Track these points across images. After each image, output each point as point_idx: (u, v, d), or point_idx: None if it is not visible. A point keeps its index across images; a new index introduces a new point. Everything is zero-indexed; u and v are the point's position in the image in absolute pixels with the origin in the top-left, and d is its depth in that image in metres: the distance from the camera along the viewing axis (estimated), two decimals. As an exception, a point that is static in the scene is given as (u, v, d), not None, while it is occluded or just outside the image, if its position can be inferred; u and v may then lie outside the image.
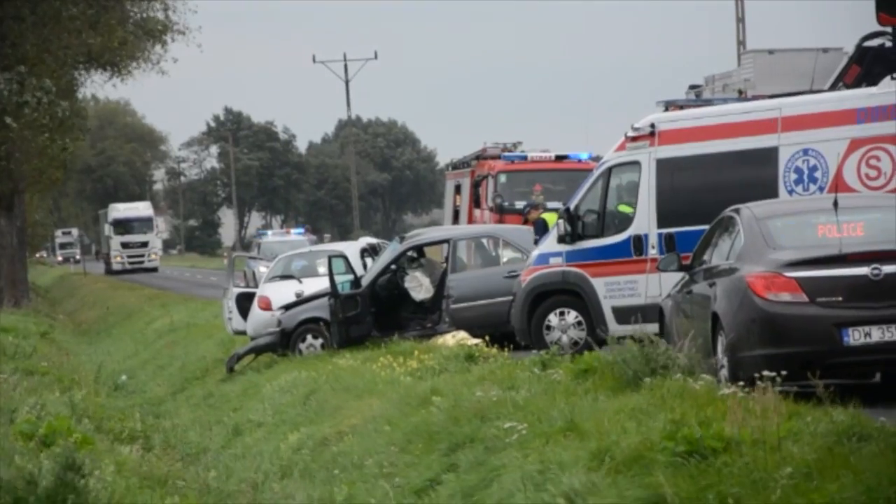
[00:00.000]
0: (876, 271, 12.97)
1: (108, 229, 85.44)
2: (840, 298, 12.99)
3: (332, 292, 23.22)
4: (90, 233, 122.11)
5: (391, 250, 24.55)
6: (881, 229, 13.74)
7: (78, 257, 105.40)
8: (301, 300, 25.06)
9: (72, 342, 41.74)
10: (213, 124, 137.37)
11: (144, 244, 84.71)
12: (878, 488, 8.22)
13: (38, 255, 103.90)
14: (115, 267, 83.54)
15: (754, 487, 8.98)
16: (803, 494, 8.48)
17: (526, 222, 26.38)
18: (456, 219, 34.34)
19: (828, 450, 9.46)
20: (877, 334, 12.91)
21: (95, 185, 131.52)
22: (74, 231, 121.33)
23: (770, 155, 18.40)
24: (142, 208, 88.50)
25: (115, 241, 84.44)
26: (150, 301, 50.93)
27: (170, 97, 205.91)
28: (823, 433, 9.96)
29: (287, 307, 24.94)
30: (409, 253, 24.26)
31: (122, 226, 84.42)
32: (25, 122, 42.73)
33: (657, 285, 18.47)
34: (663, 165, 19.06)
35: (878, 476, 8.42)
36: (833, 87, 25.01)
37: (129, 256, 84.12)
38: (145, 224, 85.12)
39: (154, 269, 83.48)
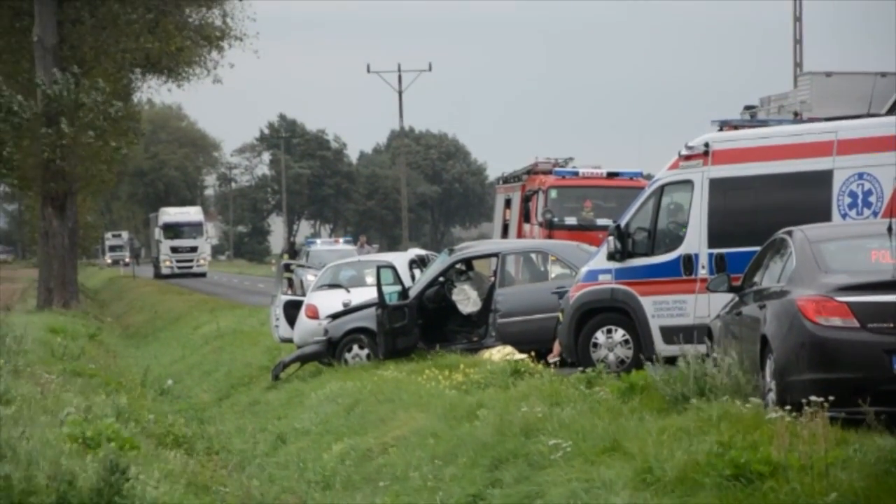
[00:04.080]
0: (928, 299, 12.83)
1: (158, 233, 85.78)
2: (892, 325, 12.86)
3: (380, 303, 23.21)
4: (140, 236, 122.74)
5: (440, 262, 24.54)
6: (935, 256, 13.62)
7: (127, 260, 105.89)
8: (348, 310, 25.06)
9: (119, 345, 41.93)
10: (266, 131, 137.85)
11: (194, 249, 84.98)
12: (926, 518, 8.13)
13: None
14: (164, 271, 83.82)
15: (801, 513, 8.91)
16: (851, 522, 8.40)
17: None
18: (505, 233, 34.30)
19: (876, 478, 9.38)
20: (928, 362, 12.77)
21: (147, 189, 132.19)
22: (125, 234, 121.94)
23: (824, 178, 18.28)
24: (192, 213, 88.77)
25: (165, 245, 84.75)
26: (198, 306, 51.09)
27: (223, 103, 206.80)
28: (872, 461, 9.87)
29: (334, 316, 24.95)
30: (458, 266, 24.24)
31: (173, 230, 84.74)
32: (82, 124, 42.99)
33: (706, 306, 18.38)
34: (716, 185, 18.97)
35: (926, 506, 8.33)
36: (891, 112, 24.86)
37: (178, 261, 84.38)
38: (195, 229, 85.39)
39: (202, 275, 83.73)
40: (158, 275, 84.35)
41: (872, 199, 18.02)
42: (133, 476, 12.22)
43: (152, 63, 51.02)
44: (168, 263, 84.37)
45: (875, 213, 17.82)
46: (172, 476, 15.36)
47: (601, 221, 30.32)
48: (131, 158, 76.92)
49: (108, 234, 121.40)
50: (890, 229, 13.50)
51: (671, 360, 15.14)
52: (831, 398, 11.12)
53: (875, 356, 12.81)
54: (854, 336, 12.89)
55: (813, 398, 10.78)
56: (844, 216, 18.06)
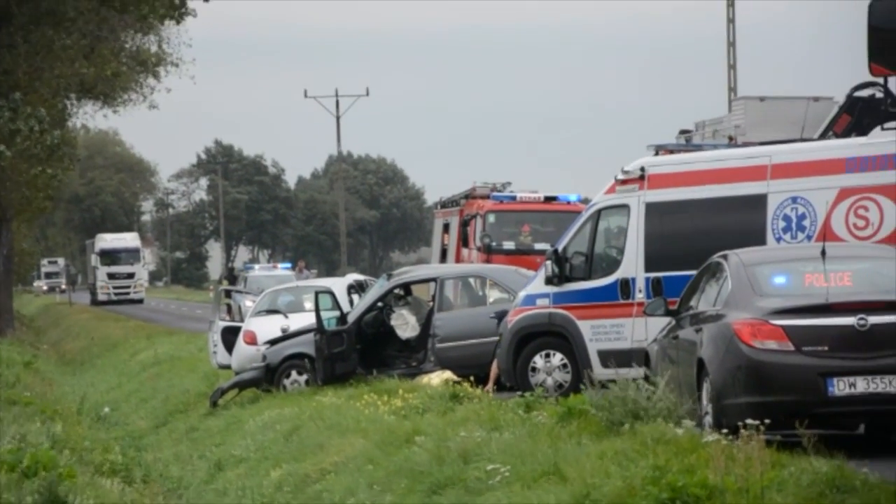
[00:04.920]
0: (862, 322, 12.97)
1: (94, 259, 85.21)
2: (826, 348, 12.99)
3: (318, 328, 23.16)
4: (76, 263, 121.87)
5: (378, 287, 24.52)
6: (868, 279, 13.77)
7: (63, 287, 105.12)
8: (286, 335, 24.99)
9: (56, 372, 41.60)
10: (203, 156, 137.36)
11: (131, 275, 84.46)
12: (860, 541, 8.19)
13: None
14: (101, 297, 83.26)
15: (737, 537, 8.95)
16: (786, 545, 8.45)
17: None
18: (443, 257, 34.31)
19: (811, 501, 9.44)
20: (861, 385, 12.91)
21: (83, 215, 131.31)
22: (61, 261, 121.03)
23: (759, 202, 18.43)
24: (129, 239, 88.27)
25: (102, 271, 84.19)
26: (135, 333, 50.80)
27: (160, 128, 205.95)
28: (807, 484, 9.94)
29: (272, 342, 24.86)
30: (396, 290, 24.23)
31: (109, 256, 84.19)
32: (17, 151, 42.66)
33: (643, 329, 18.46)
34: (652, 209, 19.09)
35: (860, 528, 8.40)
36: (823, 136, 25.08)
37: (116, 287, 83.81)
38: (132, 255, 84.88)
39: (140, 301, 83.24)
40: (95, 301, 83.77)
41: (806, 222, 18.18)
42: (70, 504, 12.14)
43: (88, 89, 50.76)
44: (105, 290, 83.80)
45: (809, 237, 17.97)
46: (109, 505, 15.26)
47: (539, 246, 30.39)
48: (67, 184, 76.47)
49: (44, 261, 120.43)
50: (823, 252, 13.64)
51: (610, 384, 15.18)
52: (767, 421, 11.20)
53: (810, 379, 12.92)
54: (789, 359, 13.00)
55: (749, 421, 10.85)
56: (779, 240, 18.20)
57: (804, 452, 10.87)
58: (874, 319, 12.97)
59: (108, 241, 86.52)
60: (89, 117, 60.26)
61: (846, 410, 13.00)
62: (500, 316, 21.18)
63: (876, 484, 9.83)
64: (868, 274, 13.82)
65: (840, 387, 12.90)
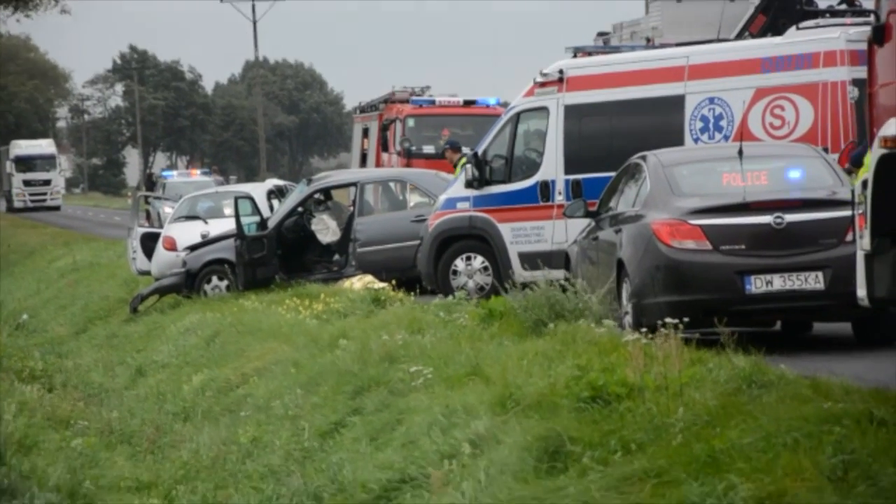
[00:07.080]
0: (778, 220, 13.13)
1: (9, 166, 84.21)
2: (743, 246, 13.14)
3: (239, 234, 23.11)
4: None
5: (298, 192, 24.47)
6: (784, 178, 13.93)
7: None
8: (207, 241, 24.92)
9: (-29, 281, 41.18)
10: (118, 62, 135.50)
11: (47, 182, 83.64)
12: (776, 434, 8.35)
13: None
14: (17, 204, 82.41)
15: (656, 433, 9.09)
16: (704, 440, 8.59)
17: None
18: (363, 162, 34.25)
19: (728, 396, 9.60)
20: (778, 282, 13.09)
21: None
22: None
23: (677, 103, 18.51)
24: (44, 146, 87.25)
25: (17, 178, 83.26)
26: (53, 239, 50.38)
27: (74, 34, 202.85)
28: (725, 380, 10.10)
29: (192, 248, 24.79)
30: (317, 195, 24.19)
31: (24, 163, 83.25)
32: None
33: (563, 231, 18.57)
34: (571, 111, 19.13)
35: (776, 422, 8.56)
36: (739, 37, 25.19)
37: (32, 194, 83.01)
38: (48, 162, 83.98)
39: (57, 208, 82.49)
40: (11, 208, 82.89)
41: (723, 123, 18.29)
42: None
43: (-2, -7, 49.87)
44: (21, 197, 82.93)
45: (726, 137, 18.09)
46: (29, 410, 15.22)
47: (458, 150, 30.37)
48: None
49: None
50: (740, 152, 13.75)
51: (531, 286, 15.30)
52: (686, 320, 11.32)
53: (727, 278, 13.08)
54: (707, 258, 13.14)
55: (668, 320, 10.96)
56: (697, 140, 18.31)
57: (722, 350, 11.03)
58: (790, 217, 13.13)
59: (23, 147, 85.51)
60: (1, 23, 59.21)
61: (763, 308, 13.18)
62: (421, 220, 21.17)
63: (792, 379, 10.01)
64: (784, 173, 13.97)
65: (757, 284, 13.07)
